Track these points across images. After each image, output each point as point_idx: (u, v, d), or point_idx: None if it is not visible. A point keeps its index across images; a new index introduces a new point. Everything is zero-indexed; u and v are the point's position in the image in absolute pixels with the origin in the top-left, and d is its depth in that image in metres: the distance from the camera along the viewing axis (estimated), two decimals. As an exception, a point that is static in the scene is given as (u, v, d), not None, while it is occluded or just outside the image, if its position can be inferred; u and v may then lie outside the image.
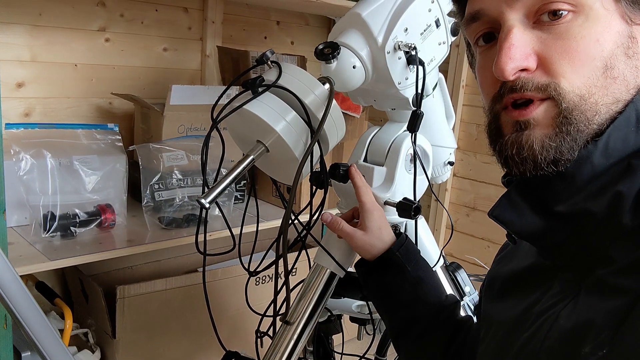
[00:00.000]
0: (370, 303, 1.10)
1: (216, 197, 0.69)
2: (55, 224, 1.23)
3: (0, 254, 0.67)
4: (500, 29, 0.54)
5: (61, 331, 1.34)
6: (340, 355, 1.13)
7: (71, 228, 1.25)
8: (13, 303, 0.74)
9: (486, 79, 0.57)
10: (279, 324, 0.89)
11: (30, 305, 0.74)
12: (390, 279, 0.84)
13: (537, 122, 0.52)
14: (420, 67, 0.84)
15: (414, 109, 0.87)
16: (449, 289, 1.07)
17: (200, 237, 0.83)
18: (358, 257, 0.91)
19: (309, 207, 0.84)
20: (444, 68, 1.01)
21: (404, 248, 0.85)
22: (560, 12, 0.51)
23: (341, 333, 1.13)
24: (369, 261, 0.86)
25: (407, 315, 0.84)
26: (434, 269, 1.04)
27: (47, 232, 1.22)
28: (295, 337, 0.87)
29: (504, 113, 0.55)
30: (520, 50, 0.52)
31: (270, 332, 0.90)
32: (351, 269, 0.94)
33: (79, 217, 1.26)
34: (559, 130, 0.51)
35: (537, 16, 0.52)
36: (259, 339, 0.93)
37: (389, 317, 0.87)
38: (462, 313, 1.08)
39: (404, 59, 0.84)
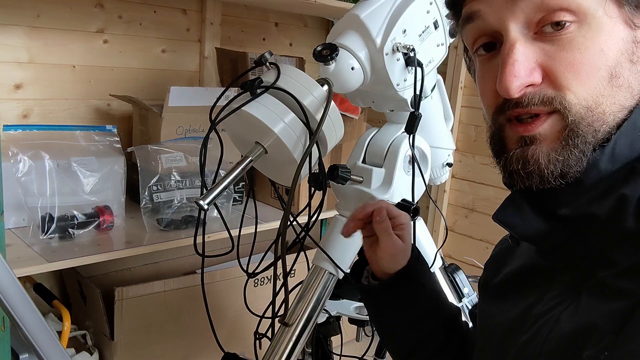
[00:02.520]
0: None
1: (215, 198, 0.69)
2: (54, 225, 1.23)
3: (-2, 256, 0.67)
4: (503, 42, 0.53)
5: (59, 333, 1.34)
6: (339, 356, 1.13)
7: (69, 230, 1.25)
8: (11, 305, 0.74)
9: (487, 91, 0.56)
10: (277, 325, 0.88)
11: (28, 307, 0.74)
12: (409, 293, 0.79)
13: (543, 137, 0.52)
14: (419, 69, 0.84)
15: (412, 110, 0.87)
16: (447, 291, 1.07)
17: (199, 239, 0.83)
18: (355, 259, 0.90)
19: (307, 208, 0.84)
20: (442, 70, 1.01)
21: (420, 261, 0.81)
22: (564, 23, 0.50)
23: (340, 334, 1.13)
24: (381, 278, 0.80)
25: (421, 332, 0.80)
26: (432, 269, 1.04)
27: (45, 234, 1.22)
28: (294, 338, 0.87)
29: (508, 127, 0.55)
30: (524, 65, 0.51)
31: (269, 334, 0.90)
32: (349, 271, 0.94)
33: (77, 219, 1.26)
34: (565, 144, 0.51)
35: (539, 27, 0.51)
36: (257, 341, 0.93)
37: (402, 334, 0.81)
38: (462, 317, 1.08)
39: (402, 60, 0.84)
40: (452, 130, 1.16)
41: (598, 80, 0.50)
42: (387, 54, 0.82)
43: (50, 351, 0.78)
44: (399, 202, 0.90)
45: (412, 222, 0.90)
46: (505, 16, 0.52)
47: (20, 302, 0.75)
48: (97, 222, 1.29)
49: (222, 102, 0.78)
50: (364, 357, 1.02)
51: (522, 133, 0.53)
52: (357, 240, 0.96)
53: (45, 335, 0.77)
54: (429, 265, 1.02)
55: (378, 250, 0.77)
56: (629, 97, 0.51)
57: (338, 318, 1.12)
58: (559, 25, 0.50)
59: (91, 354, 1.47)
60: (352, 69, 0.81)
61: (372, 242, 0.79)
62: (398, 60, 0.83)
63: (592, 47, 0.50)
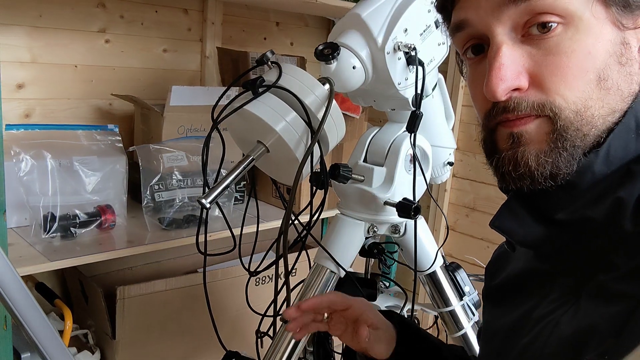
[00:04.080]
0: (371, 303, 1.10)
1: (217, 197, 0.69)
2: (56, 224, 1.23)
3: (1, 255, 0.67)
4: (490, 45, 0.53)
5: (61, 332, 1.34)
6: (340, 355, 1.13)
7: (71, 229, 1.25)
8: (14, 303, 0.74)
9: (477, 94, 0.56)
10: (279, 324, 0.89)
11: (31, 305, 0.74)
12: (414, 357, 0.79)
13: (530, 135, 0.52)
14: (420, 68, 0.85)
15: (414, 109, 0.87)
16: (449, 289, 1.07)
17: (201, 238, 0.83)
18: (356, 256, 0.90)
19: (309, 207, 0.85)
20: (443, 69, 1.01)
21: (407, 324, 0.81)
22: (550, 25, 0.49)
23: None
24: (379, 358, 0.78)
25: None
26: (432, 268, 1.04)
27: (47, 233, 1.22)
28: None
29: (499, 128, 0.54)
30: (510, 69, 0.51)
31: (271, 333, 0.90)
32: (351, 269, 0.94)
33: (79, 218, 1.26)
34: (553, 146, 0.51)
35: (525, 29, 0.51)
36: (259, 339, 0.93)
37: None
38: (462, 314, 1.08)
39: (403, 59, 0.84)
40: (453, 129, 1.16)
41: (586, 84, 0.49)
42: (388, 53, 0.82)
43: (53, 350, 0.78)
44: (399, 201, 0.90)
45: (413, 221, 0.90)
46: (491, 22, 0.52)
47: (23, 301, 0.75)
48: (98, 221, 1.29)
49: (224, 101, 0.78)
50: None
51: (510, 128, 0.53)
52: (358, 238, 0.96)
53: (48, 334, 0.77)
54: (431, 264, 1.03)
55: (372, 354, 0.77)
56: (619, 99, 0.51)
57: (339, 317, 1.12)
58: (545, 28, 0.50)
59: (93, 353, 1.47)
60: (354, 68, 0.81)
61: (355, 339, 0.78)
62: (399, 59, 0.83)
63: (579, 50, 0.49)
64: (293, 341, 0.87)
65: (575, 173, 0.51)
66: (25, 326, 0.75)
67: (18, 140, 1.29)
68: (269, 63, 0.78)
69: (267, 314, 0.91)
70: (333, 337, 1.13)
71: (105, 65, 1.60)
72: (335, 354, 1.16)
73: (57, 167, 1.29)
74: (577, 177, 0.51)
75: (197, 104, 1.48)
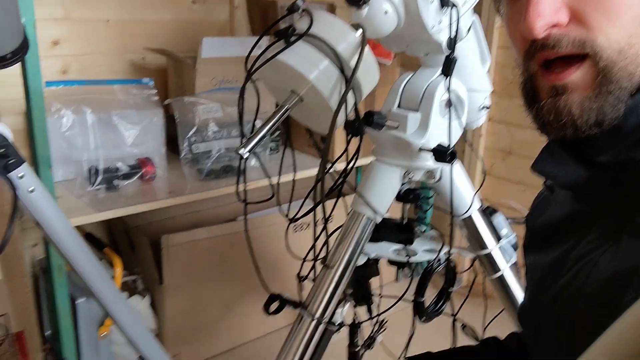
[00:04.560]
0: (408, 247, 1.12)
1: (254, 147, 0.71)
2: (100, 177, 1.28)
3: (55, 207, 0.71)
4: None
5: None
6: (379, 297, 1.16)
7: (114, 181, 1.29)
8: (68, 252, 0.79)
9: (516, 34, 0.54)
10: (318, 270, 0.91)
11: (85, 253, 0.79)
12: None
13: (575, 85, 0.50)
14: (454, 10, 0.83)
15: (448, 53, 0.86)
16: (486, 232, 1.08)
17: (240, 187, 0.85)
18: (393, 202, 0.91)
19: (344, 154, 0.86)
20: (477, 9, 0.98)
21: None
22: None
23: (379, 276, 1.16)
24: None
25: None
26: (469, 212, 1.05)
27: (92, 186, 1.27)
28: (335, 279, 0.90)
29: (540, 75, 0.53)
30: (549, 4, 0.48)
31: (310, 277, 0.93)
32: (387, 215, 0.95)
33: (121, 171, 1.31)
34: (599, 91, 0.49)
35: None
36: (300, 283, 0.97)
37: None
38: (499, 256, 1.08)
39: (436, 1, 0.82)
40: (488, 72, 1.14)
41: (630, 20, 0.48)
42: (421, -4, 0.80)
43: (107, 293, 0.83)
44: (435, 147, 0.90)
45: (449, 166, 0.90)
46: None
47: (77, 249, 0.79)
48: (140, 174, 1.33)
49: (256, 51, 0.78)
50: (404, 298, 1.05)
51: (553, 81, 0.51)
52: (394, 184, 0.97)
53: (102, 279, 0.82)
54: (467, 209, 1.03)
55: None
56: None
57: (377, 260, 1.14)
58: None
59: (143, 297, 1.55)
60: (386, 13, 0.80)
61: None
62: (432, 2, 0.81)
63: None
64: (334, 284, 0.90)
65: (620, 116, 0.50)
66: (80, 272, 0.80)
67: (58, 96, 1.32)
68: (300, 11, 0.77)
69: (306, 259, 0.94)
70: (371, 280, 1.16)
71: (136, 19, 1.61)
72: (374, 296, 1.19)
73: (97, 121, 1.32)
74: (622, 119, 0.50)
75: (228, 55, 1.48)
